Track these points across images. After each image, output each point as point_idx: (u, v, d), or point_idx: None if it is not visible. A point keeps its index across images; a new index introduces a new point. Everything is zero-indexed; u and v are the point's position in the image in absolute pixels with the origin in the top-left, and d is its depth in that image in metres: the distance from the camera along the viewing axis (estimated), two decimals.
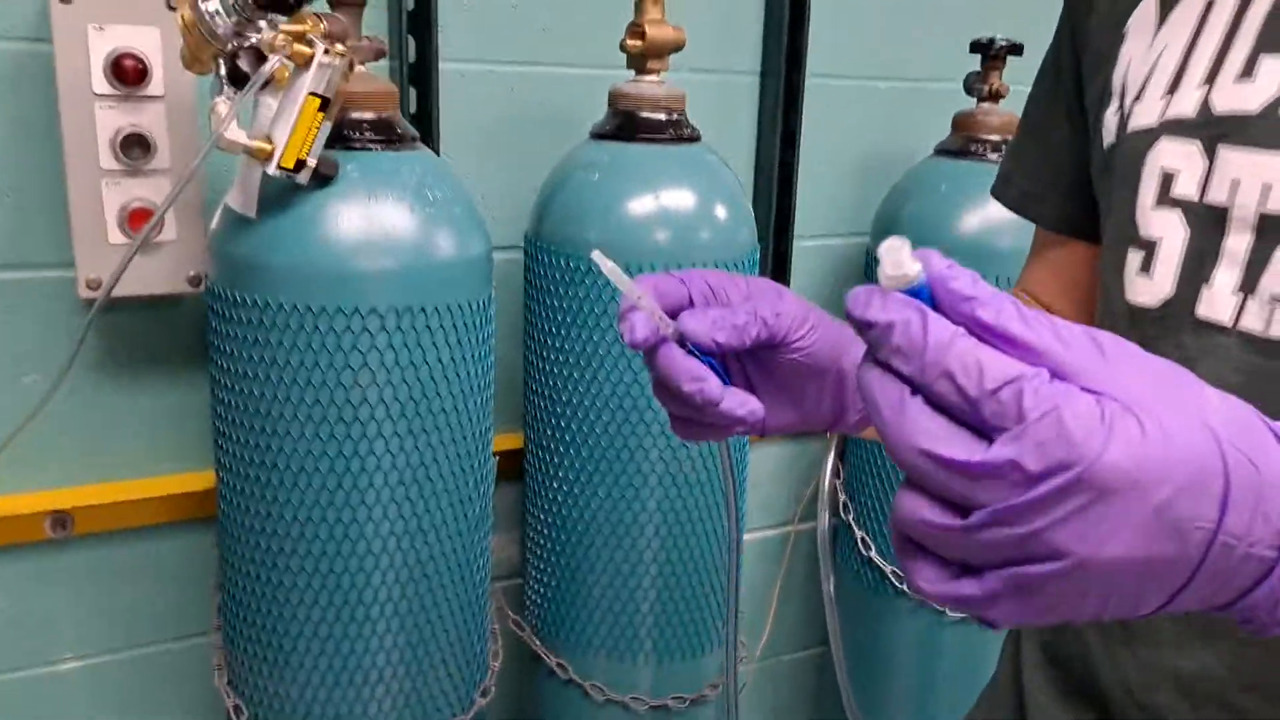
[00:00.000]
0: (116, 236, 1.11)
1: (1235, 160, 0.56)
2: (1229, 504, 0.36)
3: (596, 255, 0.54)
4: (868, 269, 1.59)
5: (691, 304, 0.55)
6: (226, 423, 1.05)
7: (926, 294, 0.36)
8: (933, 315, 0.36)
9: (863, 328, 0.37)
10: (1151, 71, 0.62)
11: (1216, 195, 0.57)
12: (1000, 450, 0.34)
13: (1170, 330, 0.59)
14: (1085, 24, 0.70)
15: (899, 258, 0.36)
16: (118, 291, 1.09)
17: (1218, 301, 0.57)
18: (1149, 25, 0.63)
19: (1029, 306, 0.37)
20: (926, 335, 0.35)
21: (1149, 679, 0.62)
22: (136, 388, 1.25)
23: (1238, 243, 0.56)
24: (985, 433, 0.35)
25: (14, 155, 1.13)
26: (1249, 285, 0.56)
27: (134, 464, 1.27)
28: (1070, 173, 0.74)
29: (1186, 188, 0.59)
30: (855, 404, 0.58)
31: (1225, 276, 0.57)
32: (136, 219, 1.10)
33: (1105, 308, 0.66)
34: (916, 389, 0.36)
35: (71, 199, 1.09)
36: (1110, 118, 0.65)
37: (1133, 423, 0.35)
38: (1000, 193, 0.82)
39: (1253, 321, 0.56)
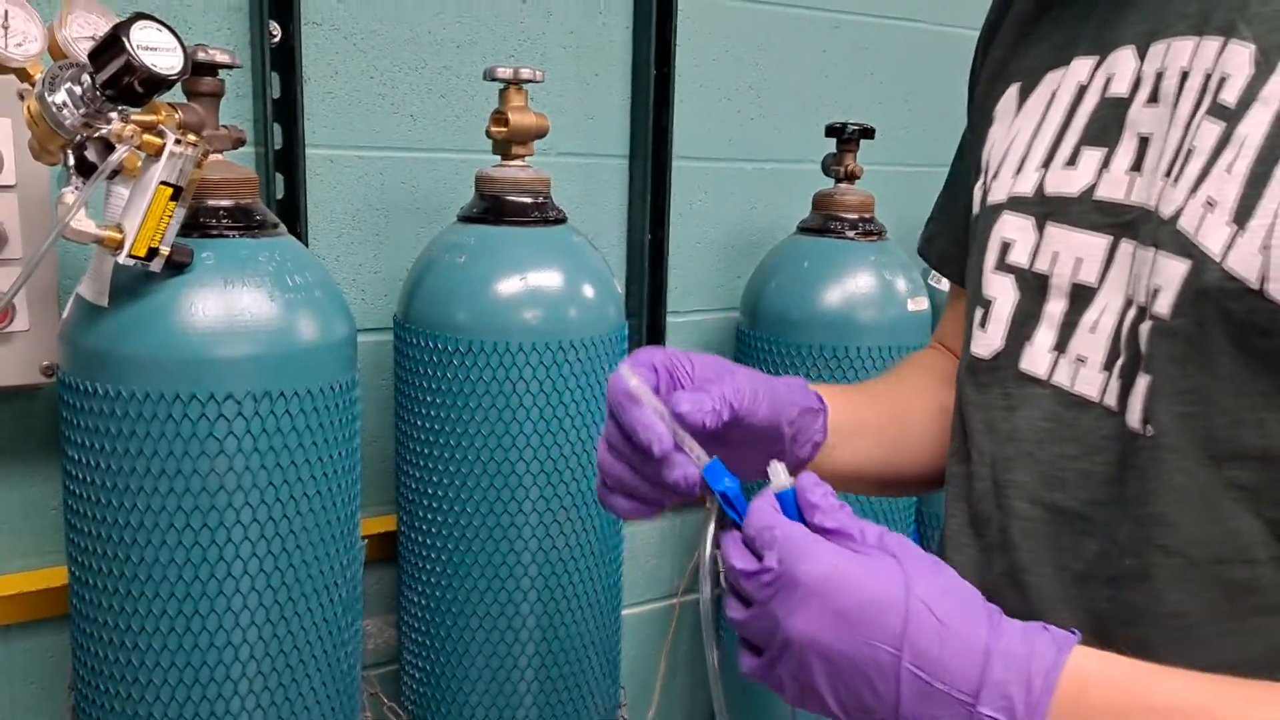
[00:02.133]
0: None
1: (1057, 235, 0.64)
2: (906, 637, 0.50)
3: (624, 368, 0.62)
4: (738, 343, 1.64)
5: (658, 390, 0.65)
6: (79, 515, 1.02)
7: (791, 496, 0.56)
8: (759, 500, 0.56)
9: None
10: (1006, 153, 0.70)
11: (1041, 264, 0.65)
12: (761, 562, 0.54)
13: (998, 380, 0.67)
14: (970, 110, 0.80)
15: (776, 472, 0.57)
16: None
17: (1037, 357, 0.64)
18: (1010, 111, 0.72)
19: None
20: (750, 508, 0.56)
21: None
22: None
23: (1055, 307, 0.64)
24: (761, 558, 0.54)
25: None
26: (1061, 345, 0.63)
27: None
28: None
29: (1019, 256, 0.66)
30: (792, 453, 0.72)
31: (1044, 336, 0.64)
32: None
33: (962, 359, 0.73)
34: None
35: None
36: (977, 191, 0.73)
37: (834, 553, 0.53)
38: (925, 252, 0.88)
39: (1062, 377, 0.63)
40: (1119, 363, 0.59)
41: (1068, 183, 0.64)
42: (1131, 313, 0.58)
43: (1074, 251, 0.62)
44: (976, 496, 0.67)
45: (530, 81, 1.25)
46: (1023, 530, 0.63)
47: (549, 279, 1.26)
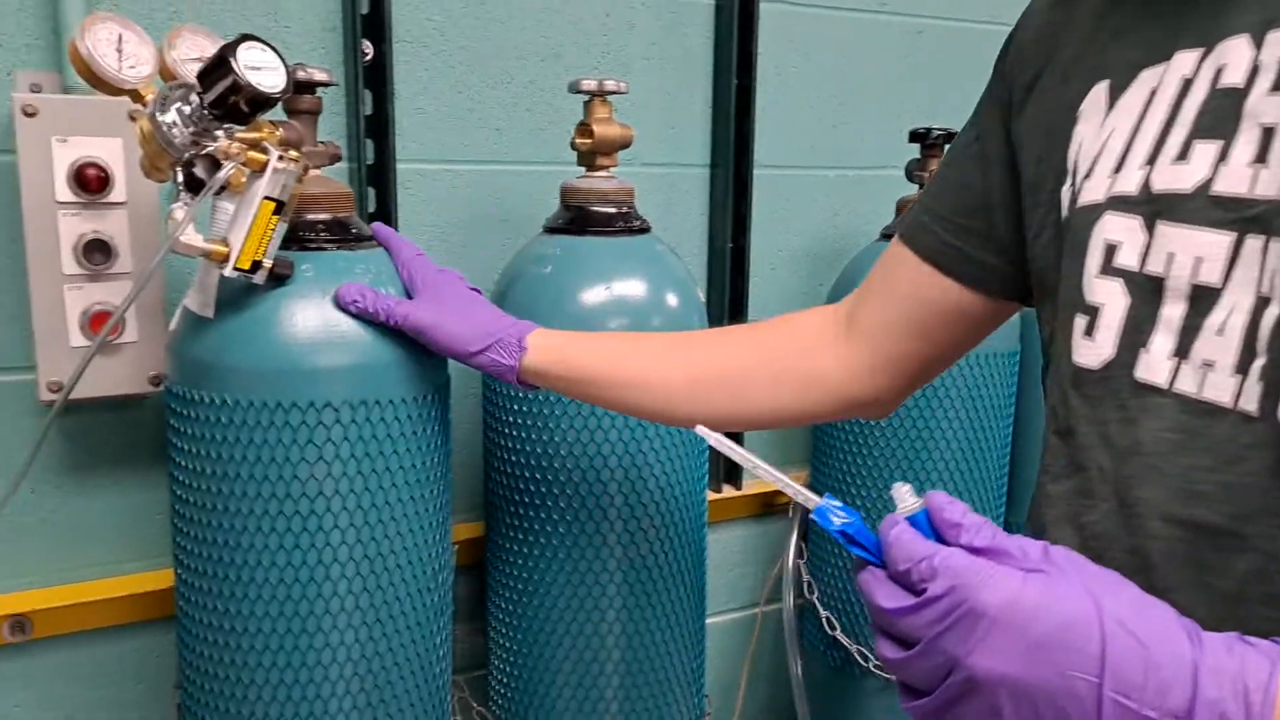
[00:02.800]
0: (78, 339, 1.13)
1: (1171, 234, 0.61)
2: (1107, 663, 0.47)
3: (701, 430, 0.61)
4: None
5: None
6: (185, 520, 1.06)
7: (924, 518, 0.54)
8: (896, 529, 0.54)
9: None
10: (1100, 152, 0.67)
11: (1154, 266, 0.62)
12: (921, 596, 0.51)
13: (1111, 391, 0.64)
14: (1022, 114, 0.77)
15: (902, 495, 0.55)
16: (80, 393, 1.11)
17: (1155, 365, 0.61)
18: (1099, 110, 0.69)
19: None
20: (885, 534, 0.54)
21: None
22: (98, 488, 1.26)
23: (1173, 311, 0.60)
24: (919, 593, 0.51)
25: None
26: (1183, 351, 0.60)
27: (95, 564, 1.28)
28: (978, 220, 0.81)
29: (1128, 258, 0.63)
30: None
31: (1162, 342, 0.61)
32: (97, 322, 1.13)
33: (1055, 370, 0.70)
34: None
35: (34, 303, 1.11)
36: (1065, 193, 0.70)
37: (1016, 576, 0.49)
38: (910, 240, 0.88)
39: (1186, 384, 0.60)
40: (1257, 365, 0.56)
41: (1178, 179, 0.61)
42: (1275, 310, 0.56)
43: (1192, 251, 0.59)
44: (1095, 517, 0.64)
45: (614, 93, 1.27)
46: (1161, 551, 0.60)
47: (633, 288, 1.27)
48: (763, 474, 0.60)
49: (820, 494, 0.57)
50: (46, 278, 1.11)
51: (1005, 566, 0.50)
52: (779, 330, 1.01)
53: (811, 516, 0.56)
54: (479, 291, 1.07)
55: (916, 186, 1.57)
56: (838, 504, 0.56)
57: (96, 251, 1.12)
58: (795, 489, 0.58)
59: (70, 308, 1.13)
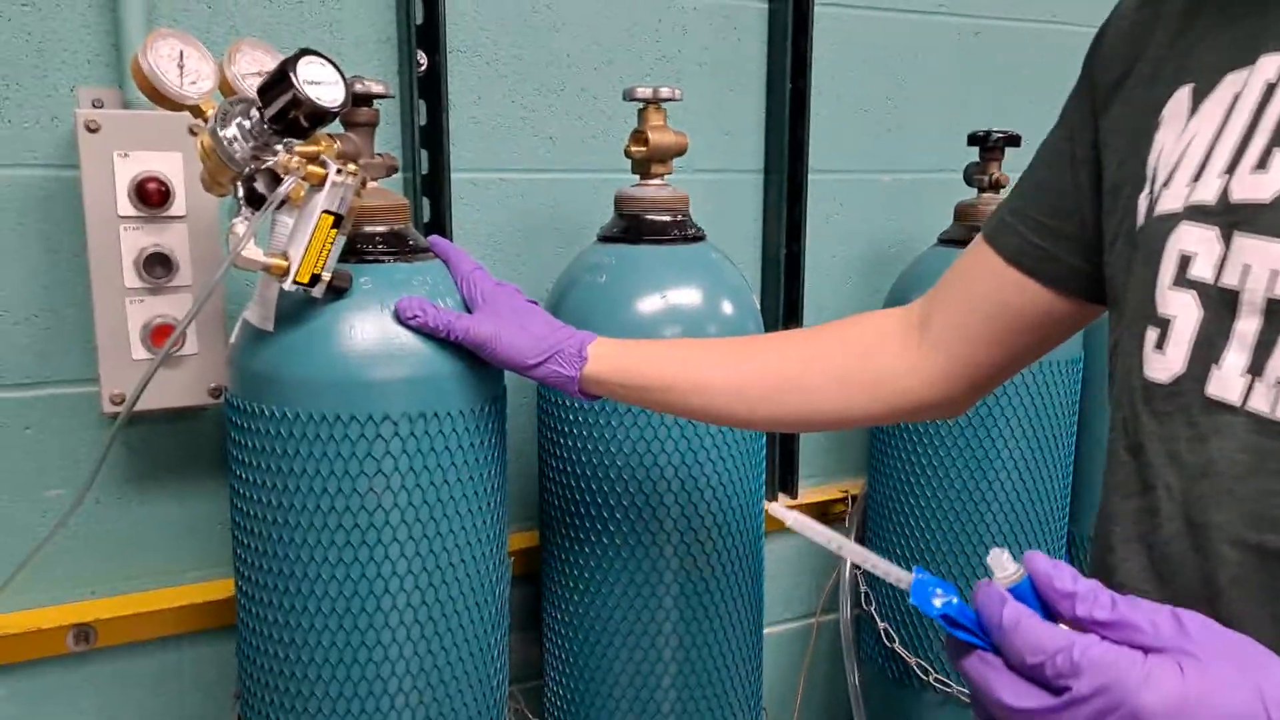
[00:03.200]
0: (139, 352, 1.14)
1: (1248, 246, 0.58)
2: None
3: (775, 509, 0.59)
4: None
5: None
6: (245, 531, 1.07)
7: (1027, 587, 0.50)
8: (1009, 605, 0.50)
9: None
10: (1180, 159, 0.64)
11: (1229, 279, 0.59)
12: (1063, 696, 0.46)
13: (1181, 407, 0.61)
14: (1107, 114, 0.75)
15: (1001, 563, 0.51)
16: (141, 405, 1.12)
17: (1227, 381, 0.59)
18: (1181, 115, 0.66)
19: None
20: (1000, 620, 0.49)
21: None
22: (159, 498, 1.27)
23: (1247, 326, 0.58)
24: (1056, 690, 0.47)
25: (44, 277, 1.17)
26: (1257, 368, 0.57)
27: (156, 574, 1.29)
28: (1069, 225, 0.79)
29: (1202, 270, 0.61)
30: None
31: (1235, 358, 0.58)
32: (159, 335, 1.14)
33: (1124, 382, 0.67)
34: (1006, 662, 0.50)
35: (97, 317, 1.13)
36: (1142, 201, 0.68)
37: (1174, 668, 0.46)
38: (994, 240, 0.85)
39: (1260, 403, 0.57)
40: None
41: (1258, 188, 0.58)
42: None
43: (1269, 264, 0.57)
44: (1163, 538, 0.62)
45: (669, 100, 1.26)
46: (1230, 577, 0.58)
47: (688, 296, 1.26)
48: (850, 554, 0.58)
49: (909, 568, 0.54)
50: (109, 291, 1.13)
51: (1160, 658, 0.47)
52: (847, 332, 1.00)
53: (911, 602, 0.53)
54: (536, 304, 1.07)
55: (976, 190, 1.54)
56: (931, 578, 0.52)
57: (157, 265, 1.13)
58: (886, 568, 0.56)
59: (132, 321, 1.14)
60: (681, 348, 1.08)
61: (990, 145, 1.50)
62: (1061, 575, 0.50)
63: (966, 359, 0.89)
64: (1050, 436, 1.51)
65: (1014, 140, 1.50)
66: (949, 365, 0.90)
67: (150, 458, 1.26)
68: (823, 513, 1.72)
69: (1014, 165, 1.53)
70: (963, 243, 1.53)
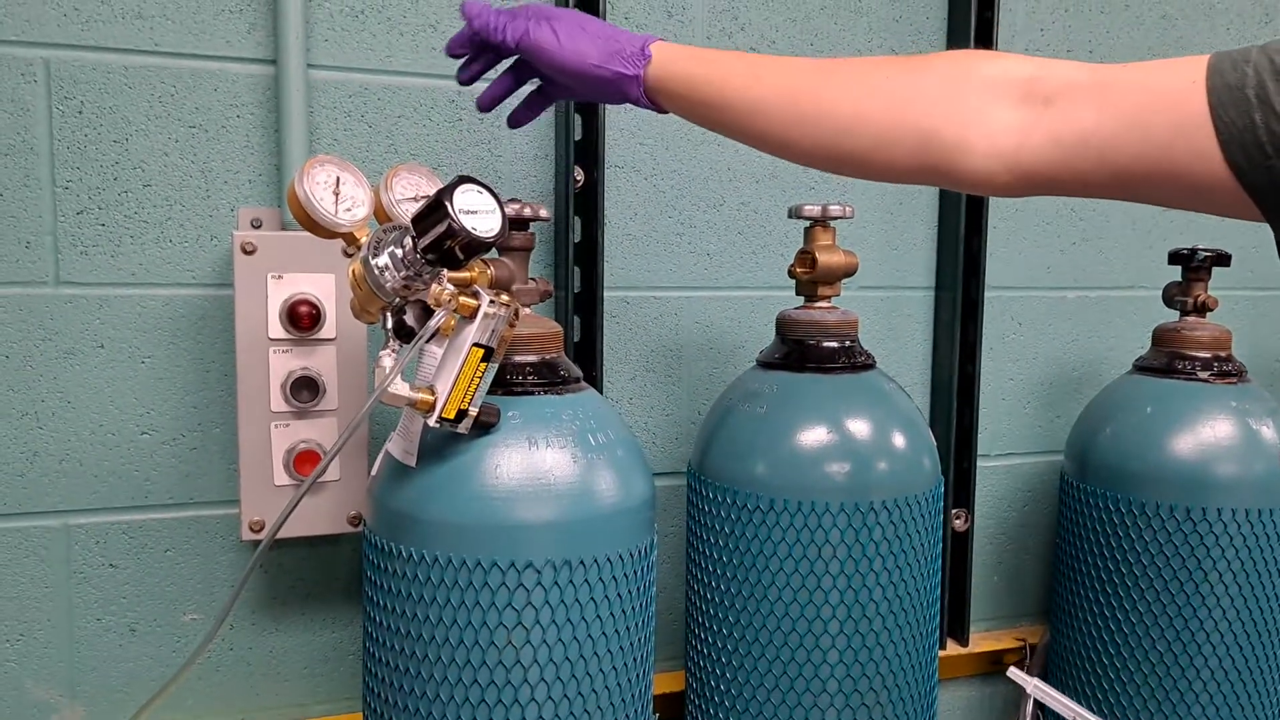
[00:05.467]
0: (281, 478, 1.10)
1: None
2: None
3: (1015, 674, 0.49)
4: (1062, 494, 1.45)
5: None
6: (377, 669, 1.00)
7: None
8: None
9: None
10: None
11: None
12: None
13: None
14: None
15: None
16: (280, 532, 1.07)
17: None
18: None
19: None
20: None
21: None
22: (292, 625, 1.23)
23: None
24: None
25: (194, 397, 1.15)
26: None
27: (284, 705, 1.23)
28: None
29: None
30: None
31: None
32: (302, 461, 1.10)
33: None
34: None
35: (241, 441, 1.10)
36: None
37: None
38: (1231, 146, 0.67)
39: None
40: None
41: None
42: None
43: None
44: None
45: (839, 218, 1.17)
46: None
47: (856, 430, 1.15)
48: None
49: None
50: (255, 415, 1.10)
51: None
52: (943, 84, 0.79)
53: None
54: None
55: (1178, 313, 1.39)
56: None
57: (304, 389, 1.09)
58: None
59: (276, 446, 1.10)
60: (753, 59, 0.91)
61: (1196, 264, 1.35)
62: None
63: (1070, 182, 0.75)
64: (1269, 595, 1.32)
65: (1223, 259, 1.35)
66: (1049, 172, 0.74)
67: (286, 584, 1.22)
68: (995, 661, 1.55)
69: (1222, 285, 1.38)
70: (1164, 371, 1.37)
